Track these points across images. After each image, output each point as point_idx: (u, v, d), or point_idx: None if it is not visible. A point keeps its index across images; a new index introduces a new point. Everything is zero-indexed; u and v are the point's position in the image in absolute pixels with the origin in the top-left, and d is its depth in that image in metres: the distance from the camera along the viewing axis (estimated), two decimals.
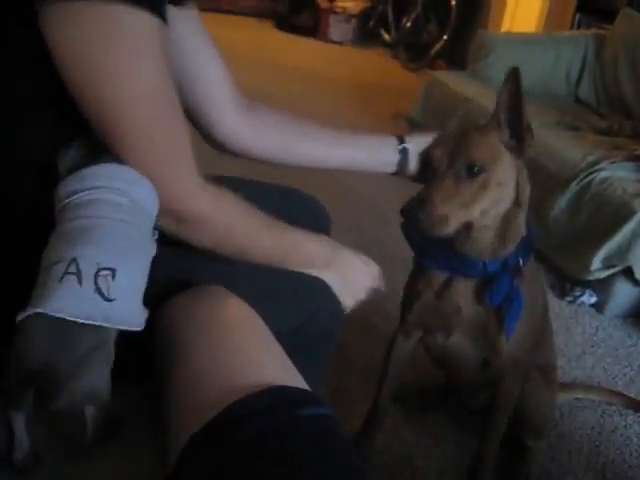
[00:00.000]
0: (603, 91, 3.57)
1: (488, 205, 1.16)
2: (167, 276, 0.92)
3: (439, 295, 1.32)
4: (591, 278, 2.38)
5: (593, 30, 3.89)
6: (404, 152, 1.23)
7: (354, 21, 6.93)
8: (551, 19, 4.78)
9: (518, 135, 1.15)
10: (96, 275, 0.72)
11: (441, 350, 1.42)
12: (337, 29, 6.90)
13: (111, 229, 0.77)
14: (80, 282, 0.71)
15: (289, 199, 1.32)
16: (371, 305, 2.19)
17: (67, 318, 0.69)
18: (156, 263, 0.83)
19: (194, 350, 0.79)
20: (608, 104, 3.50)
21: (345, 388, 1.82)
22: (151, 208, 0.84)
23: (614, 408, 1.94)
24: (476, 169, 1.13)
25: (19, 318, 0.70)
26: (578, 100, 3.62)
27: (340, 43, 6.85)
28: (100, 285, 0.72)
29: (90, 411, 0.74)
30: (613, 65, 3.50)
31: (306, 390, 0.77)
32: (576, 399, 1.94)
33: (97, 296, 0.72)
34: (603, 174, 2.46)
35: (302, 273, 1.07)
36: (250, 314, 0.86)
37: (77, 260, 0.72)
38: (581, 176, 2.50)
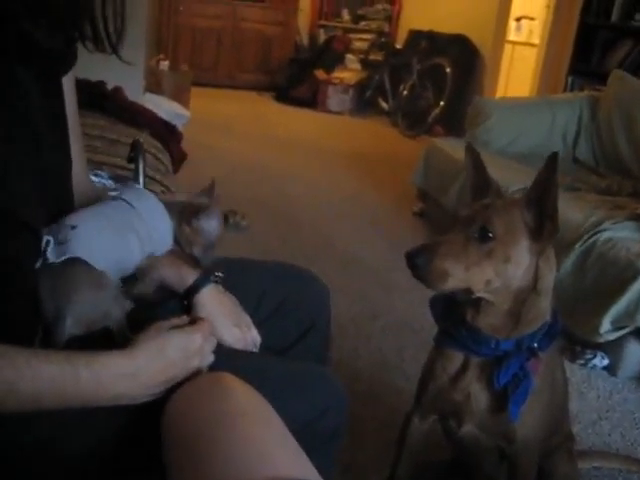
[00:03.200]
0: (600, 151, 3.61)
1: (492, 277, 1.15)
2: None
3: (453, 380, 1.30)
4: (601, 340, 2.35)
5: (587, 92, 3.97)
6: None
7: (351, 91, 7.08)
8: (544, 83, 4.87)
9: (542, 219, 1.15)
10: (58, 229, 0.92)
11: (456, 438, 1.39)
12: (335, 100, 7.04)
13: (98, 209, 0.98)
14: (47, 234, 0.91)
15: (285, 276, 1.31)
16: (379, 376, 2.20)
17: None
18: None
19: (205, 444, 0.76)
20: (606, 164, 3.54)
21: (358, 464, 1.78)
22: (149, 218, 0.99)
23: (636, 476, 1.88)
24: (489, 234, 1.13)
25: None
26: (576, 161, 3.66)
27: (339, 113, 6.98)
28: (58, 235, 0.91)
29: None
30: (608, 125, 3.55)
31: None
32: (594, 467, 1.88)
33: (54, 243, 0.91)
34: (606, 235, 2.46)
35: (309, 368, 1.06)
36: (261, 403, 0.84)
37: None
38: (584, 237, 2.50)
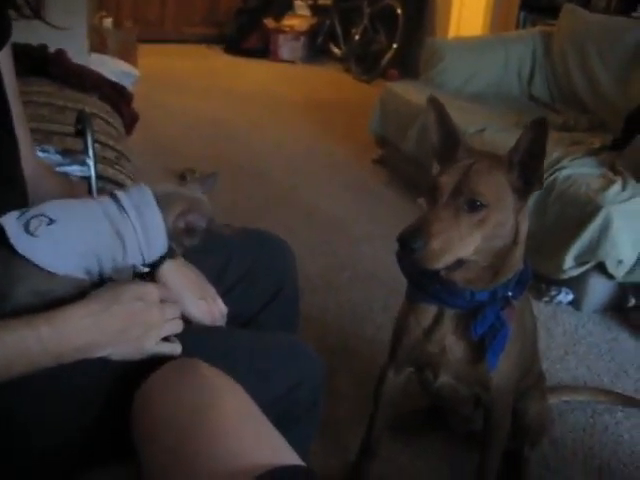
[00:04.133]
0: (556, 87, 3.61)
1: (482, 243, 1.14)
2: None
3: (427, 332, 1.31)
4: (565, 277, 2.39)
5: (539, 27, 3.94)
6: None
7: (303, 38, 6.94)
8: (496, 20, 4.83)
9: (528, 180, 1.14)
10: (33, 217, 0.88)
11: (433, 389, 1.41)
12: (287, 48, 6.90)
13: (85, 208, 0.94)
14: (18, 218, 0.88)
15: (250, 242, 1.28)
16: (350, 328, 2.22)
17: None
18: None
19: (182, 437, 0.75)
20: (562, 99, 3.54)
21: (335, 419, 1.79)
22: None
23: (603, 406, 1.94)
24: (478, 204, 1.11)
25: None
26: (532, 98, 3.65)
27: (291, 62, 6.85)
28: (30, 223, 0.87)
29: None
30: (562, 60, 3.54)
31: (306, 468, 0.74)
32: (564, 402, 1.93)
33: (23, 229, 0.87)
34: (565, 172, 2.47)
35: (280, 340, 1.04)
36: (234, 389, 0.82)
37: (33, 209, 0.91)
38: (544, 176, 2.51)
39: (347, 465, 1.61)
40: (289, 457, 0.74)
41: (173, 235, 0.99)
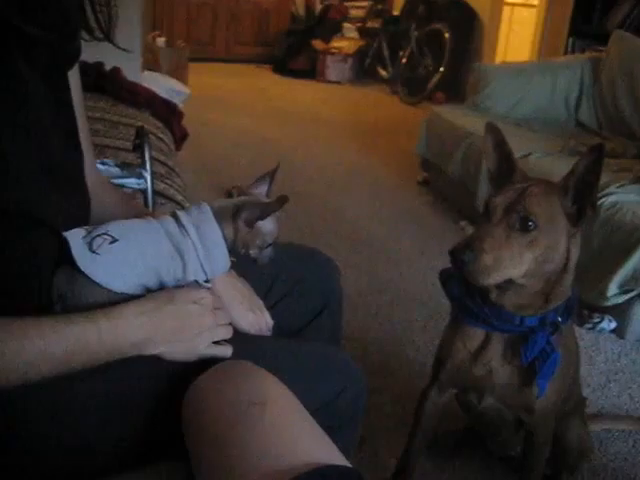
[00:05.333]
0: (603, 113, 3.59)
1: (533, 266, 1.15)
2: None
3: (474, 355, 1.31)
4: (609, 304, 2.37)
5: (587, 53, 3.93)
6: None
7: (350, 60, 7.03)
8: (545, 46, 4.83)
9: (581, 206, 1.15)
10: (97, 235, 0.91)
11: (476, 411, 1.41)
12: (334, 69, 7.00)
13: (147, 228, 0.96)
14: (84, 236, 0.91)
15: (297, 257, 1.32)
16: (390, 348, 2.23)
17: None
18: None
19: (234, 433, 0.77)
20: (609, 126, 3.52)
21: (374, 437, 1.80)
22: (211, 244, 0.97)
23: None
24: (530, 224, 1.12)
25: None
26: (579, 124, 3.64)
27: (338, 83, 6.94)
28: (94, 241, 0.90)
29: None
30: (610, 87, 3.52)
31: (353, 469, 0.75)
32: (605, 430, 1.91)
33: (87, 247, 0.90)
34: (612, 199, 2.46)
35: (322, 349, 1.07)
36: (283, 390, 0.85)
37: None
38: None
39: None
40: (339, 458, 0.77)
41: (239, 242, 1.01)
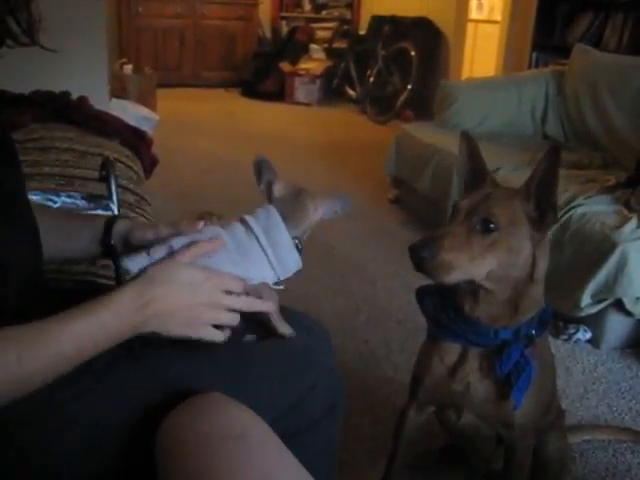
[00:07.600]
0: (569, 126, 3.64)
1: (495, 267, 1.16)
2: (159, 386, 0.92)
3: (451, 371, 1.32)
4: (583, 314, 2.39)
5: (551, 67, 3.99)
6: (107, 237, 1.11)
7: (318, 81, 7.08)
8: (508, 61, 4.90)
9: (543, 209, 1.17)
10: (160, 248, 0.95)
11: (455, 428, 1.41)
12: (302, 91, 7.03)
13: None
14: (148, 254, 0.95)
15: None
16: (368, 368, 2.22)
17: None
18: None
19: (207, 471, 0.76)
20: (575, 138, 3.57)
21: (354, 459, 1.79)
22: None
23: (625, 445, 1.91)
24: (491, 226, 1.14)
25: None
26: (546, 137, 3.69)
27: (307, 104, 6.97)
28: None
29: None
30: (575, 99, 3.58)
31: None
32: (585, 441, 1.91)
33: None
34: (580, 210, 2.48)
35: (294, 345, 1.06)
36: (258, 421, 0.84)
37: None
38: (560, 214, 2.53)
39: None
40: None
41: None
